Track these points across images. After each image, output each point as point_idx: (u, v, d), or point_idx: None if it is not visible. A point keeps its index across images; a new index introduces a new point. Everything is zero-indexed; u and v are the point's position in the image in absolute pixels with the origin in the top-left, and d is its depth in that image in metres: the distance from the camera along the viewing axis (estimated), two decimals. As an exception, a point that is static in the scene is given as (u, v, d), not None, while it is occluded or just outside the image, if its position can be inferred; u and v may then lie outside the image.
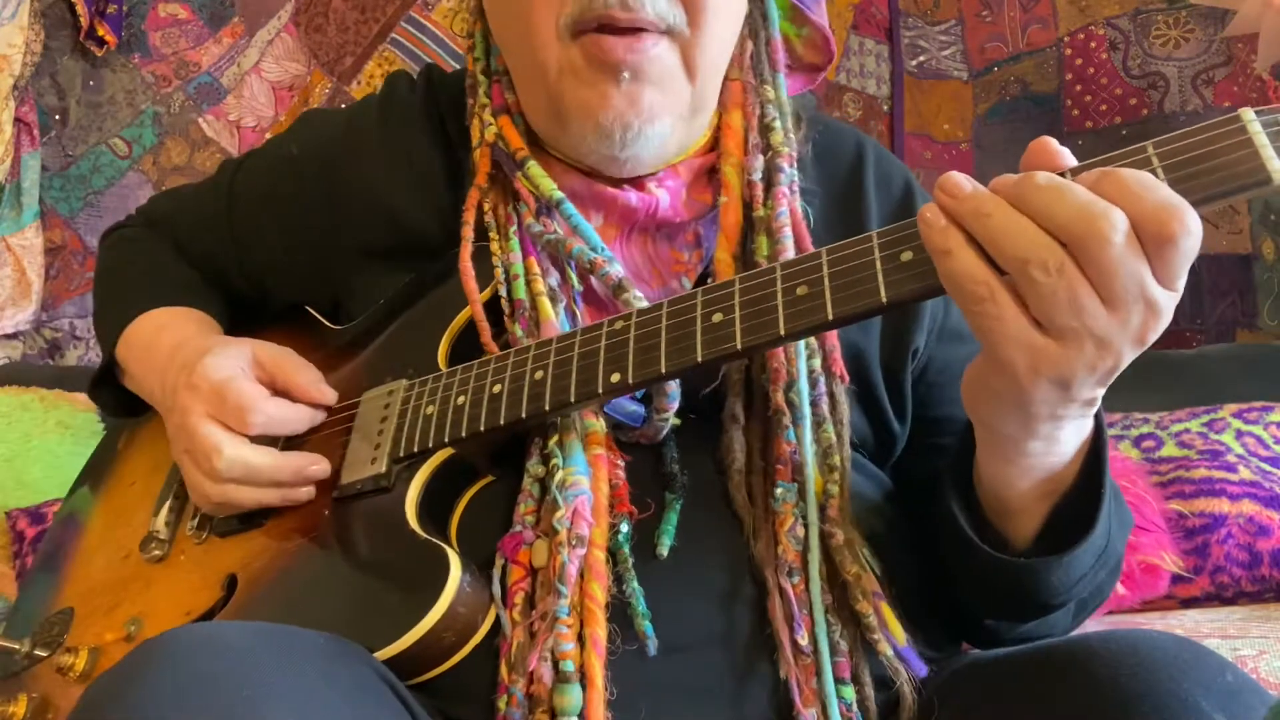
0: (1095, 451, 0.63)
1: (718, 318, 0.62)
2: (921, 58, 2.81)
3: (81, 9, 2.14)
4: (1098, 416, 0.62)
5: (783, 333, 0.60)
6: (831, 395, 0.72)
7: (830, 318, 0.58)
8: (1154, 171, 0.52)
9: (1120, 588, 1.56)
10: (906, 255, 0.57)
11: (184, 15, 2.31)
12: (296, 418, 0.77)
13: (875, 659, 0.65)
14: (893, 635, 0.65)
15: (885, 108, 2.77)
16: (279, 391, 0.78)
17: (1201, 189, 0.51)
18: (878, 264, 0.58)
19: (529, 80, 0.78)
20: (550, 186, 0.76)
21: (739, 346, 0.61)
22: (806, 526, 0.67)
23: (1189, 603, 1.62)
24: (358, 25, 2.40)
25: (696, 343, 0.62)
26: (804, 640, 0.63)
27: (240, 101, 2.33)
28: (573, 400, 0.65)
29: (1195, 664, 0.55)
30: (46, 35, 2.15)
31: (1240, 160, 0.51)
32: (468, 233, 0.77)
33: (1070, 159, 0.55)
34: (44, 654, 0.80)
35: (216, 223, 0.93)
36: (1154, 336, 0.53)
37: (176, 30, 2.30)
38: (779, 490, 0.68)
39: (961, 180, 0.54)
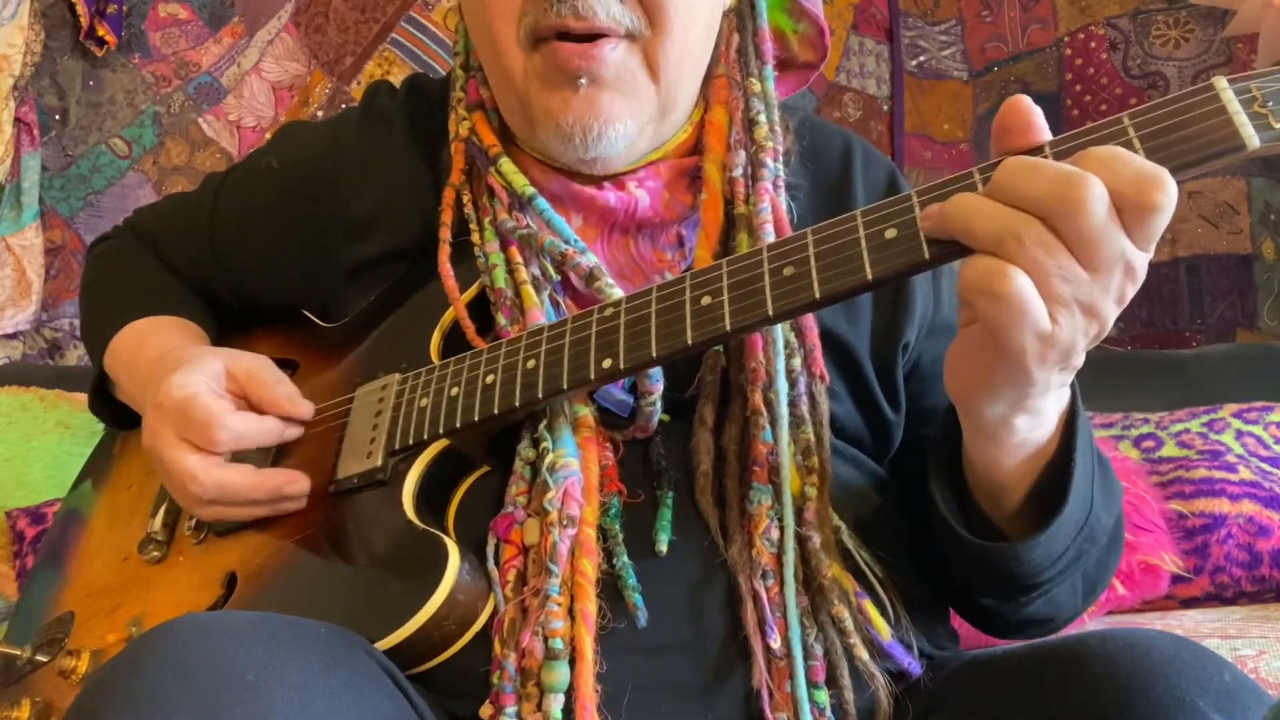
0: (1070, 420, 0.63)
1: (706, 300, 0.63)
2: (921, 58, 2.80)
3: (81, 9, 2.14)
4: (1072, 385, 0.63)
5: (771, 313, 0.60)
6: (811, 396, 0.72)
7: (818, 296, 0.59)
8: (1130, 142, 0.53)
9: (1120, 587, 1.56)
10: (890, 233, 0.57)
11: (184, 15, 2.31)
12: (265, 430, 0.75)
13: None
14: (877, 631, 0.65)
15: (885, 108, 2.77)
16: (253, 404, 0.77)
17: (1178, 157, 0.52)
18: (862, 242, 0.58)
19: (499, 83, 0.79)
20: (522, 182, 0.76)
21: (728, 328, 0.61)
22: (782, 529, 0.66)
23: (1189, 603, 1.62)
24: (358, 25, 2.40)
25: (686, 326, 0.63)
26: (777, 644, 0.63)
27: (240, 101, 2.32)
28: (565, 387, 0.66)
29: (1193, 664, 0.55)
30: (46, 35, 2.14)
31: (1215, 128, 0.52)
32: (445, 234, 0.78)
33: (1041, 117, 0.56)
34: (45, 658, 0.80)
35: (199, 244, 0.93)
36: (1130, 295, 0.55)
37: (176, 30, 2.30)
38: (753, 492, 0.67)
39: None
